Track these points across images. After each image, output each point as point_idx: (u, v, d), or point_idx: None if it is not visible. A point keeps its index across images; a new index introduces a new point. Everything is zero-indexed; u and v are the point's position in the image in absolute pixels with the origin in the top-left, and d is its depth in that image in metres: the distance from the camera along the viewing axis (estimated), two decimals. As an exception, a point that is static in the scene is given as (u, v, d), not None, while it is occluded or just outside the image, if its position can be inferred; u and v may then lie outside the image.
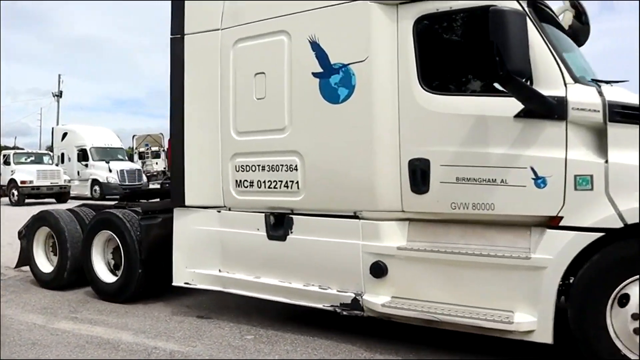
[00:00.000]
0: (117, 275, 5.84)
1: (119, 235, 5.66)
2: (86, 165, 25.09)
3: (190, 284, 5.09)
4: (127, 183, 24.82)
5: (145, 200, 7.04)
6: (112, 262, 5.99)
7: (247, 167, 4.71)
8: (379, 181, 4.08)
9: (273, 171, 4.56)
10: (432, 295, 3.92)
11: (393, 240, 4.06)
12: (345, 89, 4.17)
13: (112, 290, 5.78)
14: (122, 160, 26.78)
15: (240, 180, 4.76)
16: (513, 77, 3.31)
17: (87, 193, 24.15)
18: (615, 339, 3.31)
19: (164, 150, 31.94)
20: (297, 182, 4.42)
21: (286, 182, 4.49)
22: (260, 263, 4.70)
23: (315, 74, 4.31)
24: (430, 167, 3.87)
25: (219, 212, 4.93)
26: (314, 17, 4.31)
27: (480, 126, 3.72)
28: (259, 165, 4.64)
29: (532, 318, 3.50)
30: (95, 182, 24.84)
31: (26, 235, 6.73)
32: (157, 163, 31.80)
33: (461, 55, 4.00)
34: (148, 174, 29.27)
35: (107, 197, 23.76)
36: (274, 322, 4.89)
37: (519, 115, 3.55)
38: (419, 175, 3.91)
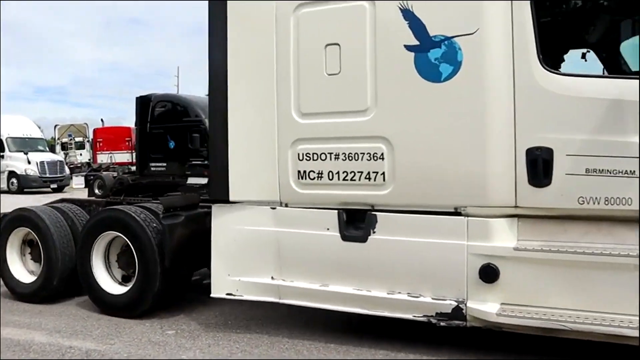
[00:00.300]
0: (126, 286, 4.88)
1: (132, 237, 4.71)
2: (2, 157, 22.41)
3: (234, 295, 4.28)
4: (47, 175, 23.09)
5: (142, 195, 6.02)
6: (118, 269, 5.01)
7: (315, 156, 3.98)
8: (490, 173, 3.55)
9: (350, 160, 3.88)
10: (552, 301, 3.48)
11: (504, 239, 3.57)
12: (448, 66, 3.58)
13: (120, 303, 4.83)
14: (42, 151, 24.41)
15: (305, 171, 4.03)
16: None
17: (4, 186, 21.61)
18: None
19: (88, 141, 29.58)
20: (383, 174, 3.78)
21: (368, 173, 3.83)
22: (330, 268, 4.01)
23: (408, 47, 3.68)
24: (554, 156, 3.41)
25: (274, 209, 4.16)
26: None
27: (618, 111, 3.31)
28: (330, 154, 3.93)
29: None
30: (12, 174, 22.48)
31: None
32: (81, 154, 29.30)
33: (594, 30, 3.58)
34: (71, 166, 26.85)
35: (25, 190, 21.63)
36: (198, 316, 4.80)
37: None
38: (539, 166, 3.43)
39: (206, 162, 17.01)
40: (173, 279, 4.75)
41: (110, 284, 4.97)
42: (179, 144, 18.12)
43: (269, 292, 4.20)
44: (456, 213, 3.67)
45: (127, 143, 23.06)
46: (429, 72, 3.63)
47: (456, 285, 3.65)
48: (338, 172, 3.92)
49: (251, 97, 4.17)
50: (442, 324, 3.69)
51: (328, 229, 3.98)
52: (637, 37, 3.57)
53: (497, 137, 3.53)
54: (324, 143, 3.96)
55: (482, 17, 3.52)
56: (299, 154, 4.03)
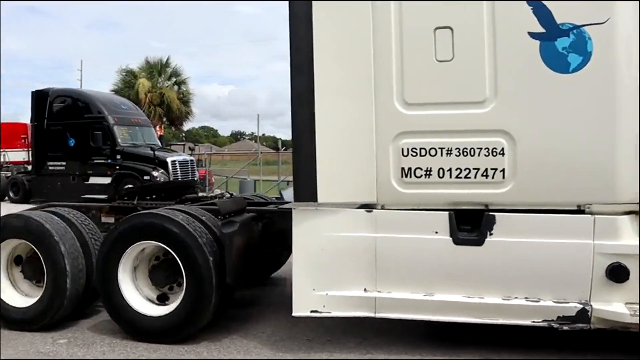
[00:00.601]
0: (165, 305, 4.05)
1: (178, 248, 3.91)
2: None
3: (319, 312, 3.72)
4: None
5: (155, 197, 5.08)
6: (152, 286, 4.16)
7: (423, 151, 3.57)
8: (619, 168, 3.43)
9: (465, 156, 3.53)
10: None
11: (631, 237, 3.46)
12: (577, 56, 3.39)
13: (160, 327, 3.99)
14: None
15: (410, 169, 3.60)
16: None
17: None
18: None
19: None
20: (503, 170, 3.49)
21: (485, 170, 3.52)
22: (438, 276, 3.64)
23: (533, 35, 3.42)
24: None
25: (370, 211, 3.67)
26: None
27: None
28: (442, 148, 3.55)
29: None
30: None
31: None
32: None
33: None
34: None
35: None
36: (93, 323, 4.50)
37: None
38: (668, 160, 3.38)
39: (109, 160, 15.69)
40: (227, 296, 4.02)
41: (143, 304, 4.10)
42: (79, 141, 16.45)
43: (363, 306, 3.70)
44: (579, 211, 3.50)
45: (22, 141, 20.23)
46: (556, 62, 3.40)
47: (580, 286, 3.48)
48: (450, 169, 3.55)
49: (342, 86, 3.64)
50: (564, 328, 3.50)
51: (436, 233, 3.60)
52: None
53: (626, 131, 3.42)
54: (434, 137, 3.57)
55: (613, 6, 3.37)
56: (402, 149, 3.59)
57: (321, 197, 3.63)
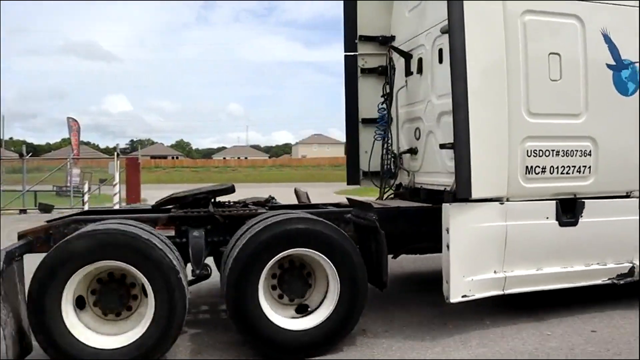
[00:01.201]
0: (306, 317, 3.94)
1: (331, 253, 3.87)
2: None
3: (467, 297, 4.21)
4: None
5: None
6: (285, 298, 4.00)
7: (540, 152, 4.39)
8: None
9: (566, 156, 4.49)
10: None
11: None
12: (632, 84, 4.67)
13: (306, 341, 3.87)
14: None
15: (532, 167, 4.38)
16: None
17: None
18: None
19: None
20: (589, 167, 4.56)
21: (578, 167, 4.53)
22: (546, 253, 4.51)
23: (609, 66, 4.58)
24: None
25: (502, 203, 4.32)
26: (608, 10, 4.56)
27: None
28: (552, 150, 4.43)
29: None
30: None
31: (42, 285, 3.34)
32: None
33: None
34: None
35: None
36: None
37: None
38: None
39: None
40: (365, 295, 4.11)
41: (282, 319, 3.89)
42: None
43: (494, 286, 4.33)
44: (627, 196, 4.79)
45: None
46: (621, 87, 4.63)
47: (630, 251, 4.78)
48: (557, 167, 4.46)
49: (487, 93, 4.19)
50: (621, 282, 4.77)
51: (547, 218, 4.46)
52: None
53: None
54: (549, 141, 4.42)
55: None
56: (527, 151, 4.35)
57: (474, 192, 4.12)
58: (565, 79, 4.44)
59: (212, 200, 4.57)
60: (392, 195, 6.13)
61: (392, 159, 5.96)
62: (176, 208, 4.63)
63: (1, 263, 3.39)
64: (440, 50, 5.04)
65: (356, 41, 6.35)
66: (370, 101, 6.49)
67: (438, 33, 5.00)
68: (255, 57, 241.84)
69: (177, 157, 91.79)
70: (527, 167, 4.37)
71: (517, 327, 4.45)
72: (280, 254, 3.81)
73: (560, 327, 4.45)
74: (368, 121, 6.48)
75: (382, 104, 5.99)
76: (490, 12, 4.20)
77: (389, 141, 5.97)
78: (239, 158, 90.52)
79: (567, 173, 4.50)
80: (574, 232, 4.55)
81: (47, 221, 4.35)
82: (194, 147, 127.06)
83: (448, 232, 4.12)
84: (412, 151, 5.74)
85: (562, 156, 4.47)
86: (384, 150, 6.00)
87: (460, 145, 4.12)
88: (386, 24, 6.36)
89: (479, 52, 4.14)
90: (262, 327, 3.78)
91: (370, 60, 6.43)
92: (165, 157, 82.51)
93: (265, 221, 3.89)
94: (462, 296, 4.17)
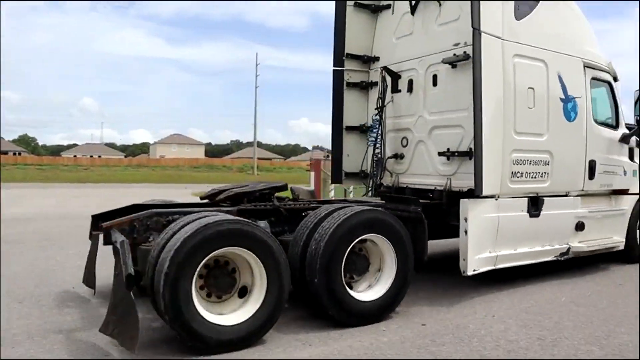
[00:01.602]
0: (372, 290, 4.91)
1: (392, 237, 4.93)
2: None
3: (475, 271, 5.50)
4: None
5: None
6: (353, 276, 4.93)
7: (521, 161, 5.86)
8: (586, 172, 6.60)
9: (534, 165, 6.02)
10: (593, 235, 6.87)
11: (583, 207, 6.69)
12: (574, 113, 6.40)
13: (374, 309, 4.84)
14: None
15: (515, 172, 5.83)
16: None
17: None
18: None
19: None
20: (547, 173, 6.16)
21: (541, 173, 6.10)
22: (520, 237, 6.00)
23: (560, 99, 6.24)
24: (596, 164, 6.80)
25: (497, 199, 5.69)
26: (562, 58, 6.22)
27: (613, 144, 7.06)
28: (527, 160, 5.93)
29: (622, 239, 7.27)
30: None
31: (181, 268, 3.82)
32: None
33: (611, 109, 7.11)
34: None
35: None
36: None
37: (620, 140, 7.18)
38: (593, 169, 6.75)
39: None
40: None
41: (357, 293, 4.79)
42: None
43: (489, 262, 5.69)
44: (566, 195, 6.50)
45: None
46: (567, 115, 6.32)
47: (566, 235, 6.50)
48: (529, 172, 5.98)
49: (493, 118, 5.51)
50: (561, 259, 6.46)
51: (522, 211, 5.96)
52: None
53: (589, 153, 6.59)
54: (526, 153, 5.91)
55: (583, 90, 6.51)
56: (513, 160, 5.79)
57: (485, 191, 5.42)
58: (537, 107, 5.98)
59: (273, 195, 5.26)
60: (370, 194, 7.26)
61: (380, 162, 7.05)
62: (228, 203, 5.22)
63: (126, 253, 3.80)
64: (435, 76, 6.30)
65: (344, 57, 7.38)
66: (352, 112, 7.59)
67: (432, 61, 6.27)
68: (113, 50, 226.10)
69: (19, 154, 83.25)
70: (512, 172, 5.80)
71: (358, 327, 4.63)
72: (359, 238, 4.72)
73: (395, 322, 4.76)
74: (350, 129, 7.55)
75: (375, 115, 7.05)
76: (494, 49, 5.52)
77: (379, 147, 7.05)
78: (91, 156, 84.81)
79: (534, 177, 6.04)
80: (537, 222, 6.11)
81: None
82: (40, 143, 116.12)
83: (466, 221, 5.37)
84: (398, 156, 6.93)
85: (532, 164, 5.99)
86: (374, 154, 7.07)
87: (477, 157, 5.38)
88: (369, 44, 7.48)
89: (489, 85, 5.45)
90: (346, 300, 4.66)
91: (355, 75, 7.53)
92: (5, 153, 73.91)
93: (340, 212, 4.75)
94: (473, 270, 5.45)
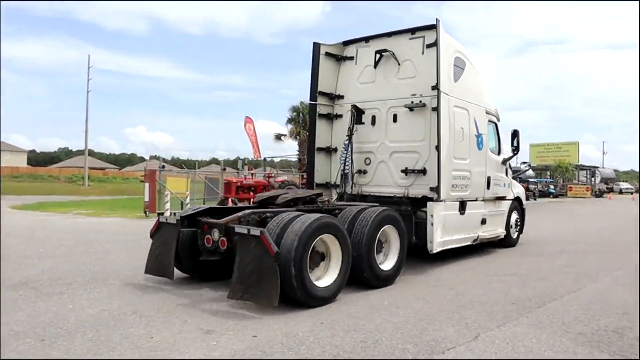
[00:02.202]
0: (387, 263, 7.23)
1: (398, 227, 7.39)
2: None
3: (437, 250, 8.15)
4: None
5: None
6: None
7: (456, 177, 8.73)
8: (486, 185, 9.75)
9: (462, 180, 8.95)
10: (490, 228, 10.08)
11: (485, 208, 9.84)
12: (481, 144, 9.53)
13: (388, 275, 7.16)
14: None
15: (453, 184, 8.66)
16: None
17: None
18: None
19: None
20: (468, 185, 9.15)
21: (465, 185, 9.06)
22: (455, 228, 8.84)
23: (474, 135, 9.31)
24: (491, 179, 10.04)
25: (445, 202, 8.43)
26: (475, 108, 9.30)
27: (498, 165, 10.39)
28: (459, 176, 8.82)
29: (504, 231, 10.68)
30: None
31: (303, 249, 5.69)
32: None
33: (496, 141, 10.38)
34: None
35: None
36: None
37: (502, 163, 10.60)
38: (489, 182, 9.96)
39: None
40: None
41: (381, 264, 7.04)
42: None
43: (442, 245, 8.41)
44: (475, 200, 9.56)
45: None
46: (478, 146, 9.43)
47: (477, 227, 9.59)
48: (459, 185, 8.89)
49: (445, 147, 8.24)
50: (474, 243, 9.51)
51: (456, 210, 8.82)
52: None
53: (489, 173, 9.78)
54: (458, 172, 8.81)
55: (485, 129, 9.70)
56: (453, 176, 8.61)
57: (442, 197, 8.12)
58: (464, 140, 8.94)
59: (316, 199, 7.28)
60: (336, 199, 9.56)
61: (347, 176, 9.36)
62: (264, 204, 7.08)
63: (269, 238, 5.52)
64: (395, 115, 8.90)
65: (317, 94, 9.62)
66: (321, 137, 9.88)
67: (393, 104, 8.90)
68: None
69: None
70: (452, 184, 8.61)
71: (184, 337, 4.60)
72: (382, 228, 7.02)
73: (226, 336, 4.66)
74: (320, 149, 9.80)
75: (346, 140, 9.35)
76: (446, 104, 8.26)
77: (348, 164, 9.37)
78: None
79: (462, 188, 8.97)
80: (463, 217, 9.05)
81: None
82: None
83: (432, 217, 8.00)
84: (362, 172, 9.36)
85: (461, 179, 8.91)
86: (344, 170, 9.35)
87: (439, 175, 8.07)
88: (334, 85, 9.83)
89: (444, 126, 8.18)
90: (374, 267, 6.86)
91: (323, 108, 9.81)
92: None
93: (370, 210, 7.01)
94: (436, 250, 8.08)
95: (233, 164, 36.37)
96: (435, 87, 8.13)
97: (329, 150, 9.87)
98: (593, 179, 61.40)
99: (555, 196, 48.64)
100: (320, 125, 9.82)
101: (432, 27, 8.43)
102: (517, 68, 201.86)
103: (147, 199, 18.73)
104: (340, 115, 9.76)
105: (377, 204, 7.82)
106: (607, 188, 60.30)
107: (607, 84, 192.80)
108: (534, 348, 4.52)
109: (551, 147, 66.56)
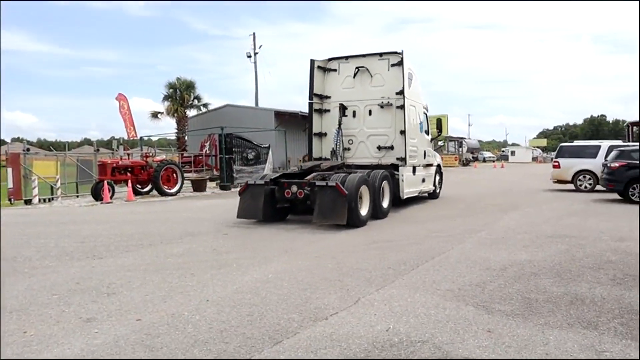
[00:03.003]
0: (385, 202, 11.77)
1: (389, 180, 12.02)
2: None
3: (405, 197, 12.94)
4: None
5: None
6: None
7: (411, 151, 13.54)
8: (423, 155, 14.76)
9: (413, 152, 13.80)
10: (426, 185, 15.16)
11: (423, 172, 14.86)
12: (422, 129, 14.63)
13: (386, 211, 11.79)
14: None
15: (410, 155, 13.46)
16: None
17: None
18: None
19: None
20: (416, 156, 14.12)
21: (415, 155, 14.01)
22: (411, 184, 13.72)
23: (420, 123, 14.42)
24: (425, 152, 15.08)
25: (406, 167, 13.18)
26: (418, 105, 14.29)
27: (428, 142, 15.45)
28: (412, 150, 13.70)
29: (433, 187, 15.96)
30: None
31: (356, 192, 10.07)
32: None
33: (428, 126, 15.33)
34: None
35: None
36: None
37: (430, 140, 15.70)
38: (424, 153, 15.00)
39: None
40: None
41: (383, 206, 11.57)
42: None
43: (406, 194, 13.20)
44: (419, 166, 14.49)
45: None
46: (421, 130, 14.64)
47: (419, 184, 14.63)
48: (412, 156, 13.78)
49: (407, 131, 13.00)
50: (419, 195, 14.74)
51: (411, 172, 13.69)
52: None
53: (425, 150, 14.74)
54: (412, 147, 13.73)
55: (424, 117, 14.84)
56: (410, 150, 13.46)
57: (407, 164, 12.98)
58: (414, 127, 13.90)
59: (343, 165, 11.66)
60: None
61: (336, 152, 13.72)
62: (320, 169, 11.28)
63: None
64: (370, 110, 13.50)
65: (313, 95, 13.87)
66: (316, 125, 14.15)
67: (368, 103, 13.58)
68: None
69: None
70: (409, 155, 13.36)
71: (62, 328, 4.30)
72: (383, 181, 11.63)
73: (108, 322, 4.43)
74: (315, 134, 14.11)
75: (337, 128, 13.68)
76: (407, 103, 13.00)
77: (337, 144, 13.71)
78: None
79: (413, 158, 13.82)
80: (414, 177, 13.98)
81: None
82: None
83: (403, 176, 12.82)
84: (346, 149, 13.83)
85: (413, 152, 13.71)
86: (335, 148, 13.69)
87: (405, 150, 12.91)
88: (323, 88, 14.09)
89: (408, 118, 12.99)
90: (381, 206, 11.51)
91: (316, 105, 14.06)
92: None
93: (374, 172, 11.63)
94: (404, 197, 12.92)
95: (108, 144, 34.50)
96: (401, 93, 12.94)
97: (321, 135, 14.12)
98: (460, 149, 65.97)
99: (428, 167, 55.82)
100: (315, 118, 14.00)
101: (395, 53, 13.23)
102: (391, 45, 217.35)
103: (11, 185, 17.28)
104: (328, 110, 14.07)
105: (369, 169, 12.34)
106: (472, 157, 66.25)
107: (470, 62, 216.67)
108: (409, 307, 4.70)
109: (424, 119, 74.65)
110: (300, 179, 10.95)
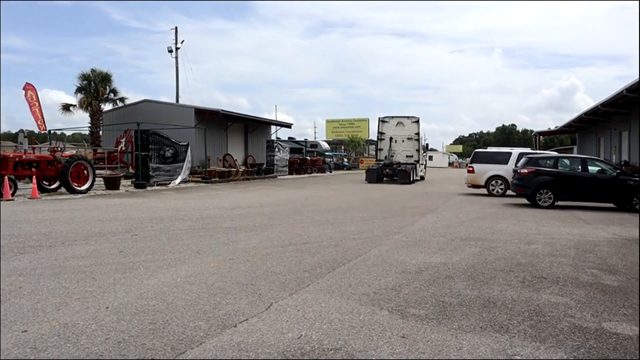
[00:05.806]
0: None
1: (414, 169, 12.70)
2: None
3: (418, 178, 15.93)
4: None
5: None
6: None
7: (421, 160, 14.58)
8: (423, 164, 16.37)
9: (422, 165, 17.02)
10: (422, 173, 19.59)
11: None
12: (421, 149, 27.38)
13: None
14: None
15: (420, 162, 15.33)
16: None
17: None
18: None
19: None
20: (420, 161, 18.29)
21: (420, 162, 16.06)
22: (419, 172, 16.80)
23: (422, 146, 24.81)
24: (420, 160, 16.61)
25: (420, 165, 15.31)
26: (421, 137, 24.74)
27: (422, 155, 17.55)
28: (421, 164, 17.18)
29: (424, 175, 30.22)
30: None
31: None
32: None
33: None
34: None
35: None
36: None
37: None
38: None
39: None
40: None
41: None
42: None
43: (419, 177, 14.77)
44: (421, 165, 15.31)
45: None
46: (421, 150, 28.36)
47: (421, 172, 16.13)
48: (421, 168, 17.30)
49: (420, 153, 15.48)
50: (421, 179, 29.99)
51: (423, 167, 14.68)
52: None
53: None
54: (421, 163, 15.60)
55: (422, 142, 27.82)
56: (420, 165, 14.68)
57: (420, 164, 14.71)
58: (420, 149, 28.38)
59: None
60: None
61: (389, 158, 29.89)
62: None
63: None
64: (403, 140, 29.74)
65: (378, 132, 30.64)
66: (380, 145, 30.67)
67: (404, 138, 29.61)
68: None
69: None
70: (420, 162, 16.33)
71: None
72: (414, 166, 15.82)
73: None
74: (379, 150, 30.77)
75: (389, 148, 29.75)
76: (420, 138, 28.01)
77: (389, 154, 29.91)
78: None
79: (421, 162, 17.09)
80: (420, 169, 26.40)
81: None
82: None
83: (417, 168, 29.13)
84: (392, 156, 29.63)
85: (421, 165, 16.69)
86: (388, 156, 29.84)
87: (419, 158, 28.12)
88: (382, 129, 30.23)
89: (419, 145, 28.97)
90: (413, 178, 15.84)
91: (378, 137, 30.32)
92: None
93: (408, 165, 27.58)
94: (419, 177, 27.76)
95: (15, 137, 32.44)
96: (417, 134, 29.05)
97: (381, 150, 29.73)
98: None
99: (349, 168, 55.94)
100: (379, 143, 29.88)
101: (416, 117, 29.33)
102: (313, 48, 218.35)
103: None
104: (383, 139, 29.72)
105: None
106: (395, 160, 76.19)
107: (390, 67, 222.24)
108: (323, 312, 4.53)
109: (345, 123, 75.58)
110: (389, 167, 28.07)
